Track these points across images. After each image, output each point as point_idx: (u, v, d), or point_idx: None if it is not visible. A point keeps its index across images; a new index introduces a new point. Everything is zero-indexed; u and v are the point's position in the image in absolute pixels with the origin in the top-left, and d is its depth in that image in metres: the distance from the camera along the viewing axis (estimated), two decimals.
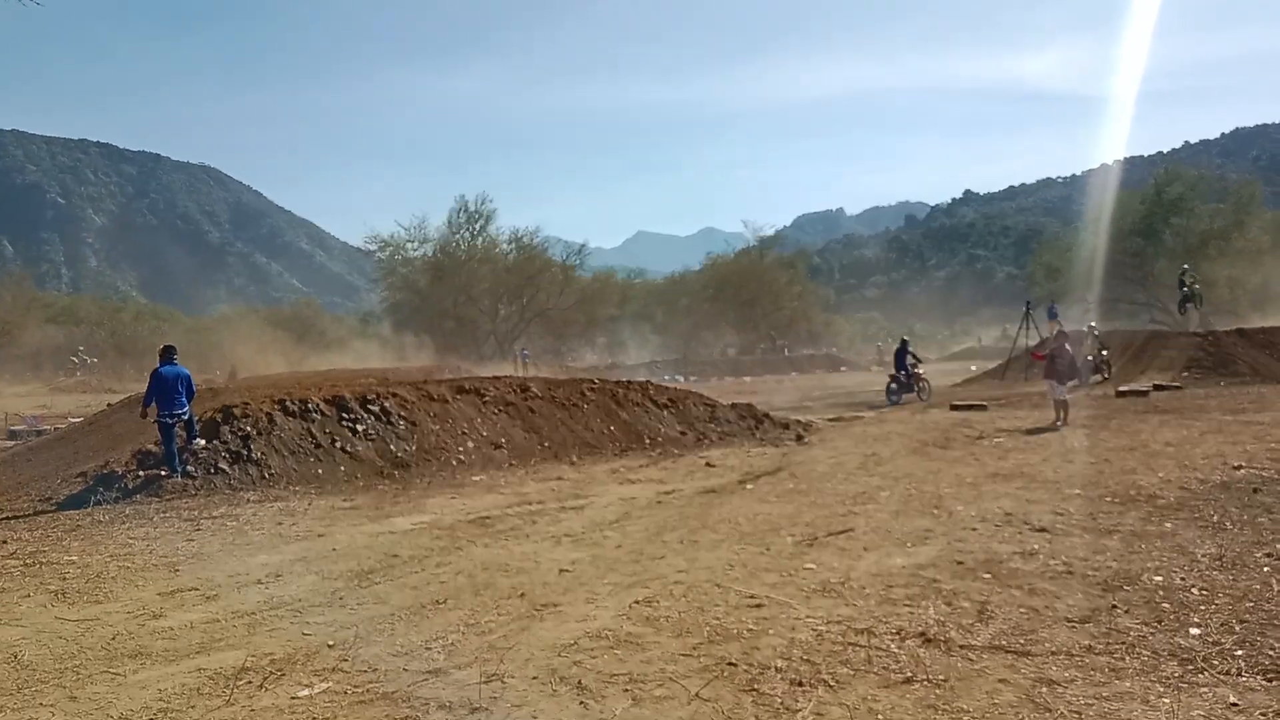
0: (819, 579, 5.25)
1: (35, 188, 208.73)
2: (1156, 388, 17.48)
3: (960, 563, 5.47)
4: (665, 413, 13.85)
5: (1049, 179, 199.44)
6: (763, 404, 16.71)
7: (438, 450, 11.15)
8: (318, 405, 11.05)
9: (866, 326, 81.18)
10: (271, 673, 4.01)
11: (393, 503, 8.78)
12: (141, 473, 9.58)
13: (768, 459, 11.11)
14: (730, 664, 3.90)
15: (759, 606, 4.75)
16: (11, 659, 4.34)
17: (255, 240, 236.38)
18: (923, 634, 4.16)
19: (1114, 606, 4.46)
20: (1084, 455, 9.92)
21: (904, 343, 20.98)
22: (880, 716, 3.33)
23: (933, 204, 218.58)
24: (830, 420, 16.06)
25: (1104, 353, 21.12)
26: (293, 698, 3.71)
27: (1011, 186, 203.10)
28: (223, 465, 9.76)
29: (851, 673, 3.74)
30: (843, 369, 47.66)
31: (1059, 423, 12.75)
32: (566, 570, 5.77)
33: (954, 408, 16.46)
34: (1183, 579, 4.90)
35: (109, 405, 18.27)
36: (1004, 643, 4.02)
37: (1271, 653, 3.76)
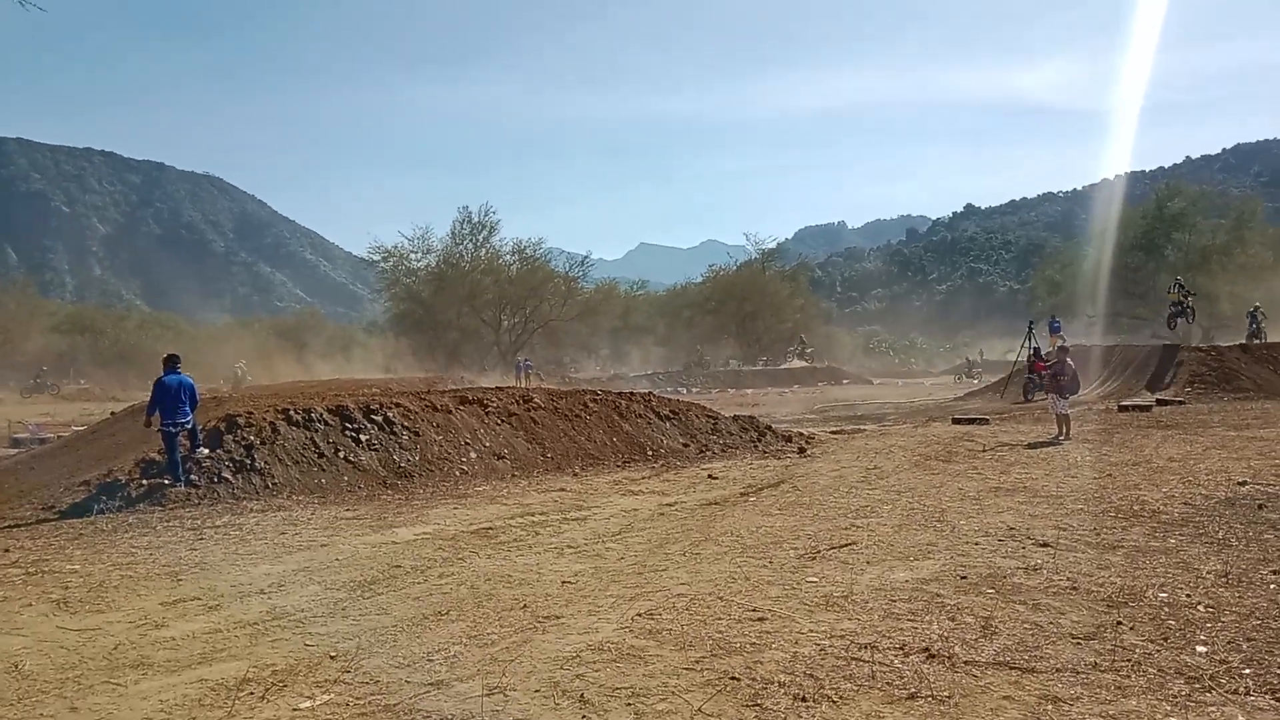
0: (822, 593, 5.23)
1: (39, 196, 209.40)
2: (1160, 402, 17.48)
3: (963, 577, 5.45)
4: (668, 424, 13.85)
5: (1050, 193, 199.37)
6: (764, 416, 16.70)
7: (441, 460, 11.15)
8: (321, 415, 11.07)
9: (868, 339, 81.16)
10: (273, 684, 4.00)
11: (396, 513, 8.77)
12: (145, 481, 9.58)
13: (770, 471, 11.09)
14: (733, 678, 3.87)
15: (762, 620, 4.73)
16: (12, 669, 4.33)
17: (259, 250, 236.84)
18: (926, 649, 4.13)
19: (1119, 623, 4.43)
20: (1087, 470, 9.89)
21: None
22: None
23: (934, 217, 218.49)
24: (832, 433, 16.05)
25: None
26: (294, 709, 3.70)
27: (1013, 200, 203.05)
28: (226, 474, 9.77)
29: (855, 688, 3.72)
30: (845, 382, 47.64)
31: (1061, 437, 12.73)
32: (569, 582, 5.76)
33: (956, 421, 16.45)
34: (1188, 596, 4.87)
35: (112, 414, 18.31)
36: (1008, 659, 3.99)
37: (1279, 671, 3.73)
